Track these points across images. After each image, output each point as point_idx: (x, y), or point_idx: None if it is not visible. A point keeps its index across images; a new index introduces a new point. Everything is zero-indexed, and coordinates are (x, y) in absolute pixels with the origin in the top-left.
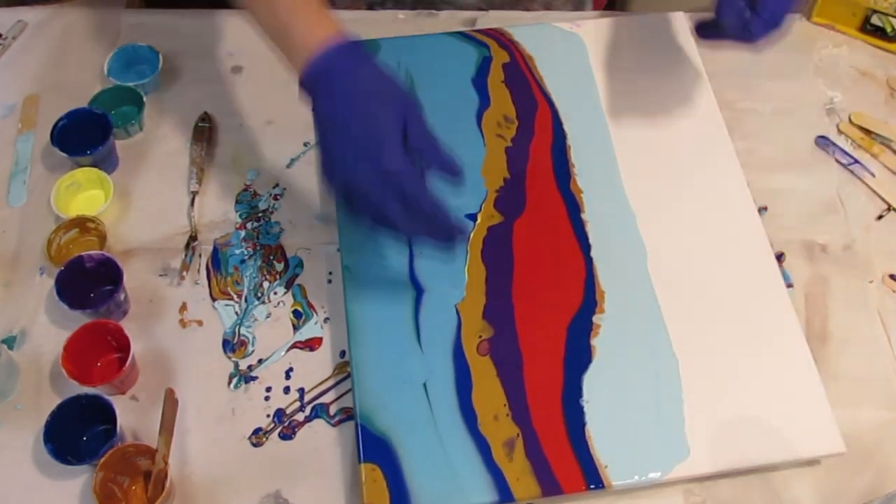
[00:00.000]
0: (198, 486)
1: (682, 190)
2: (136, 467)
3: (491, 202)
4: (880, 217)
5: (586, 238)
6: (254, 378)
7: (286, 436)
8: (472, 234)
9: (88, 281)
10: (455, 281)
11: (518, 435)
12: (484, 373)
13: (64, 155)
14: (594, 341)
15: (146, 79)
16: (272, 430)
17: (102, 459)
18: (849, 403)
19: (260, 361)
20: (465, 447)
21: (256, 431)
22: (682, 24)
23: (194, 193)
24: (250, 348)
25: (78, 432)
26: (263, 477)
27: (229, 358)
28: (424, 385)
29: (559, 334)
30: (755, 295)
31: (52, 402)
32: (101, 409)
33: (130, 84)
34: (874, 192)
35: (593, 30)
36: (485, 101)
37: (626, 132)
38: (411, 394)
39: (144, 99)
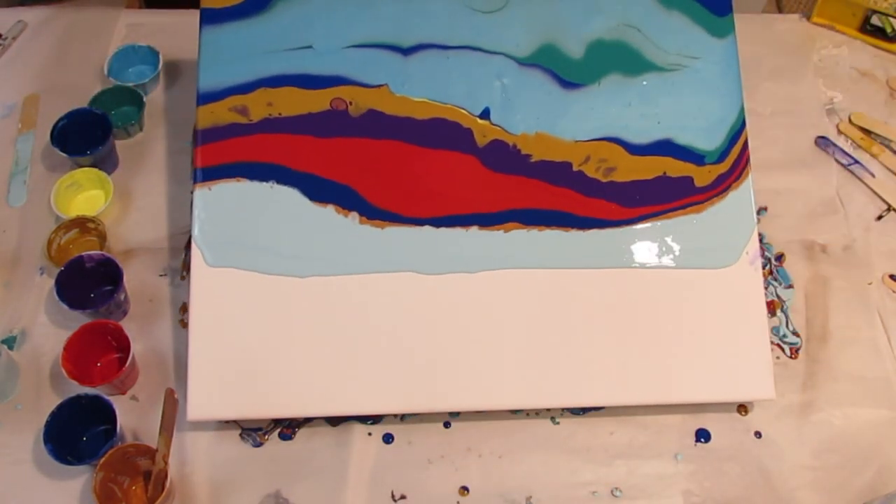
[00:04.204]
0: (198, 486)
1: None
2: (136, 467)
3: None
4: (880, 217)
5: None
6: None
7: (286, 436)
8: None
9: (88, 281)
10: None
11: None
12: None
13: (64, 155)
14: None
15: (146, 79)
16: (272, 430)
17: (102, 459)
18: (849, 403)
19: None
20: None
21: (256, 431)
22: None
23: None
24: None
25: (78, 432)
26: (263, 477)
27: None
28: None
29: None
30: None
31: (52, 402)
32: (101, 409)
33: (130, 84)
34: (874, 192)
35: None
36: None
37: None
38: None
39: (144, 99)
